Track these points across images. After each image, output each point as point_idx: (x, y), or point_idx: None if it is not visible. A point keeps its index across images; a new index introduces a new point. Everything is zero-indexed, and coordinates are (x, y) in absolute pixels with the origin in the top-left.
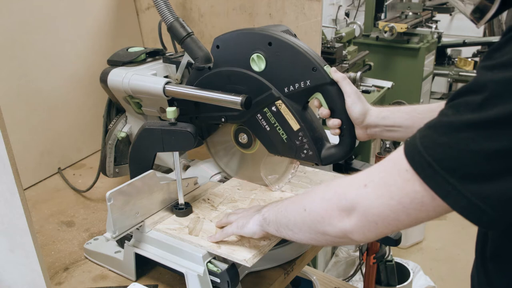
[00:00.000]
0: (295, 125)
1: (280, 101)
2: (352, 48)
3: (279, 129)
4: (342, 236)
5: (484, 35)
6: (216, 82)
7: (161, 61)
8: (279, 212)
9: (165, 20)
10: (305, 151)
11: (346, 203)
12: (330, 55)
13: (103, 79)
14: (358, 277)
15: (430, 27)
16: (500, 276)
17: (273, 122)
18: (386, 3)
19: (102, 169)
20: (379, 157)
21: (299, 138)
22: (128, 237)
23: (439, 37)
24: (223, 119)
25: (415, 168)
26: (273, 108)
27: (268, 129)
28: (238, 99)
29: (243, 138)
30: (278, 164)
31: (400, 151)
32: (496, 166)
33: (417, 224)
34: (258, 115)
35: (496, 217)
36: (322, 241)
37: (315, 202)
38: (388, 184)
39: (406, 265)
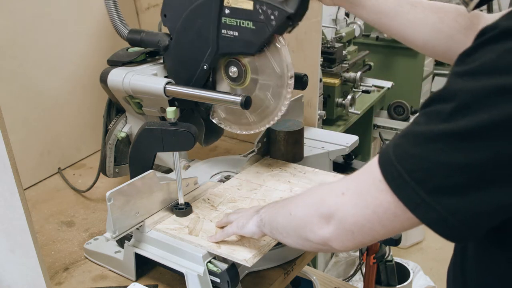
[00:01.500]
0: (248, 5)
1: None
2: (352, 48)
3: (242, 23)
4: (322, 244)
5: None
6: (185, 44)
7: (161, 61)
8: (272, 215)
9: (121, 34)
10: (272, 17)
11: (325, 211)
12: (330, 55)
13: (103, 79)
14: (358, 277)
15: None
16: (477, 277)
17: (234, 23)
18: None
19: (102, 169)
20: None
21: (260, 12)
22: (128, 237)
23: None
24: (205, 67)
25: (387, 178)
26: (227, 11)
27: (236, 34)
28: (238, 99)
29: (234, 71)
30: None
31: (374, 161)
32: (466, 180)
33: (394, 234)
34: (222, 31)
35: (465, 231)
36: (307, 247)
37: (298, 207)
38: (363, 193)
39: (406, 265)
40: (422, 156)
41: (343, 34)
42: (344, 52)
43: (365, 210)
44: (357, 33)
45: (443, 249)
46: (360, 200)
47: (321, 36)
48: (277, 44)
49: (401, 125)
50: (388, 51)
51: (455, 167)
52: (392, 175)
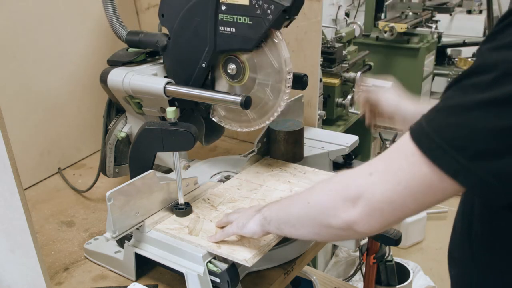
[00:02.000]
0: (244, 0)
1: None
2: (352, 48)
3: (239, 19)
4: (346, 228)
5: (484, 35)
6: (183, 43)
7: (161, 61)
8: (281, 209)
9: (120, 36)
10: (268, 11)
11: (351, 193)
12: (330, 55)
13: (103, 79)
14: (358, 277)
15: (430, 27)
16: (484, 253)
17: (231, 19)
18: (386, 3)
19: (102, 169)
20: None
21: (256, 7)
22: (128, 237)
23: (439, 37)
24: (203, 65)
25: (423, 150)
26: (223, 8)
27: (234, 30)
28: (238, 98)
29: (232, 68)
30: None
31: (403, 139)
32: (505, 144)
33: (423, 210)
34: (220, 28)
35: (506, 192)
36: (325, 235)
37: (319, 195)
38: (394, 170)
39: (406, 265)
40: (461, 124)
41: (343, 34)
42: (344, 52)
43: (396, 186)
44: (357, 33)
45: (443, 249)
46: (390, 176)
47: (321, 36)
48: (275, 39)
49: None
50: (388, 51)
51: (494, 132)
52: (430, 146)
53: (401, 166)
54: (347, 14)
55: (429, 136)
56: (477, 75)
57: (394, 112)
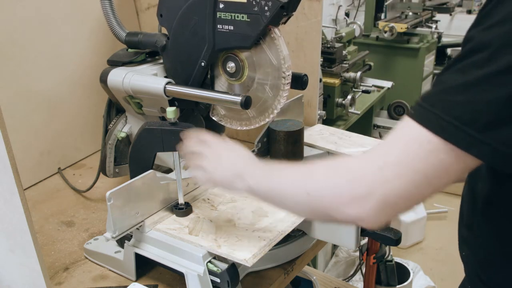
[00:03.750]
0: None
1: None
2: (352, 48)
3: (237, 16)
4: (351, 221)
5: None
6: (182, 42)
7: (161, 61)
8: (273, 190)
9: (119, 37)
10: (266, 7)
11: (361, 190)
12: (330, 55)
13: (103, 79)
14: (358, 277)
15: (430, 27)
16: (492, 226)
17: (229, 17)
18: (386, 3)
19: (102, 169)
20: None
21: (254, 4)
22: (128, 237)
23: (439, 37)
24: (202, 64)
25: (436, 132)
26: (221, 6)
27: (232, 28)
28: (238, 98)
29: (231, 67)
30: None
31: (406, 125)
32: (506, 113)
33: (438, 192)
34: (218, 26)
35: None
36: (323, 221)
37: (321, 187)
38: (409, 160)
39: (406, 265)
40: (467, 101)
41: (343, 34)
42: (344, 52)
43: (413, 177)
44: (357, 33)
45: (443, 249)
46: (405, 168)
47: (321, 36)
48: (273, 36)
49: None
50: (388, 51)
51: (500, 102)
52: (441, 127)
53: (417, 155)
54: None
55: (439, 117)
56: (473, 55)
57: None
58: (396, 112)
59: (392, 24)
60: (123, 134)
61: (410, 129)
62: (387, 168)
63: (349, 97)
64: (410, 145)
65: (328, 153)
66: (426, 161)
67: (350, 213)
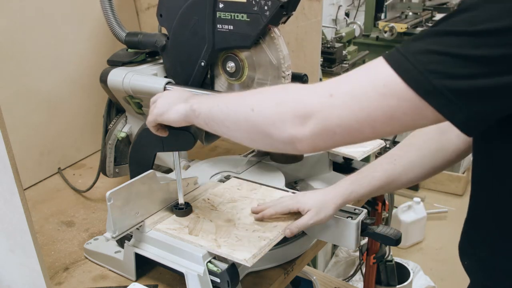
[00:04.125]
0: None
1: None
2: (352, 48)
3: (237, 16)
4: (287, 143)
5: None
6: (182, 42)
7: (161, 61)
8: (216, 107)
9: (119, 37)
10: (265, 7)
11: (304, 110)
12: (330, 55)
13: (103, 79)
14: (358, 277)
15: None
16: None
17: (228, 17)
18: (386, 3)
19: (102, 169)
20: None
21: (253, 3)
22: (128, 237)
23: None
24: (202, 64)
25: (399, 73)
26: (221, 6)
27: (232, 27)
28: None
29: (231, 66)
30: None
31: (376, 61)
32: (475, 70)
33: (375, 139)
34: (218, 26)
35: (472, 117)
36: (260, 143)
37: (266, 104)
38: (359, 95)
39: (406, 265)
40: (437, 51)
41: (343, 34)
42: (344, 52)
43: (358, 113)
44: (357, 33)
45: (443, 249)
46: (354, 102)
47: (321, 36)
48: (273, 36)
49: None
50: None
51: (467, 59)
52: (405, 67)
53: (368, 93)
54: (347, 14)
55: (407, 58)
56: (455, 16)
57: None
58: None
59: (392, 24)
60: (123, 134)
61: (375, 66)
62: (337, 96)
63: None
64: (368, 82)
65: (328, 153)
66: (375, 102)
67: (289, 131)
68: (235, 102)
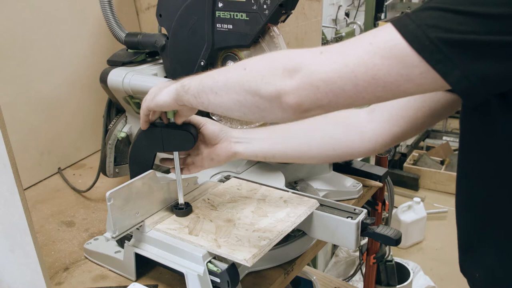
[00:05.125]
0: None
1: None
2: None
3: (236, 15)
4: (274, 97)
5: None
6: (181, 41)
7: (161, 61)
8: (207, 76)
9: (118, 37)
10: (265, 6)
11: (293, 63)
12: None
13: (103, 79)
14: (358, 277)
15: None
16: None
17: (228, 16)
18: (386, 3)
19: (102, 169)
20: (378, 157)
21: (252, 2)
22: (128, 237)
23: None
24: (202, 63)
25: (396, 26)
26: (220, 5)
27: (231, 26)
28: None
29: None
30: None
31: (379, 29)
32: (474, 28)
33: (357, 104)
34: (217, 25)
35: (465, 76)
36: (247, 105)
37: (259, 61)
38: (346, 52)
39: (406, 265)
40: (438, 7)
41: (343, 34)
42: None
43: (342, 68)
44: (357, 33)
45: (443, 249)
46: (340, 57)
47: (321, 36)
48: (272, 34)
49: None
50: None
51: (469, 15)
52: (411, 32)
53: (354, 49)
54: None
55: (408, 16)
56: None
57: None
58: None
59: None
60: (123, 134)
61: (376, 30)
62: (326, 53)
63: None
64: (359, 40)
65: None
66: (359, 59)
67: (277, 84)
68: (228, 68)
